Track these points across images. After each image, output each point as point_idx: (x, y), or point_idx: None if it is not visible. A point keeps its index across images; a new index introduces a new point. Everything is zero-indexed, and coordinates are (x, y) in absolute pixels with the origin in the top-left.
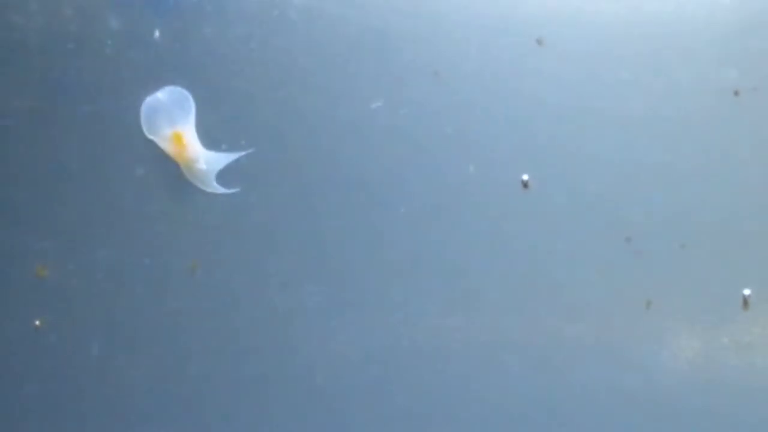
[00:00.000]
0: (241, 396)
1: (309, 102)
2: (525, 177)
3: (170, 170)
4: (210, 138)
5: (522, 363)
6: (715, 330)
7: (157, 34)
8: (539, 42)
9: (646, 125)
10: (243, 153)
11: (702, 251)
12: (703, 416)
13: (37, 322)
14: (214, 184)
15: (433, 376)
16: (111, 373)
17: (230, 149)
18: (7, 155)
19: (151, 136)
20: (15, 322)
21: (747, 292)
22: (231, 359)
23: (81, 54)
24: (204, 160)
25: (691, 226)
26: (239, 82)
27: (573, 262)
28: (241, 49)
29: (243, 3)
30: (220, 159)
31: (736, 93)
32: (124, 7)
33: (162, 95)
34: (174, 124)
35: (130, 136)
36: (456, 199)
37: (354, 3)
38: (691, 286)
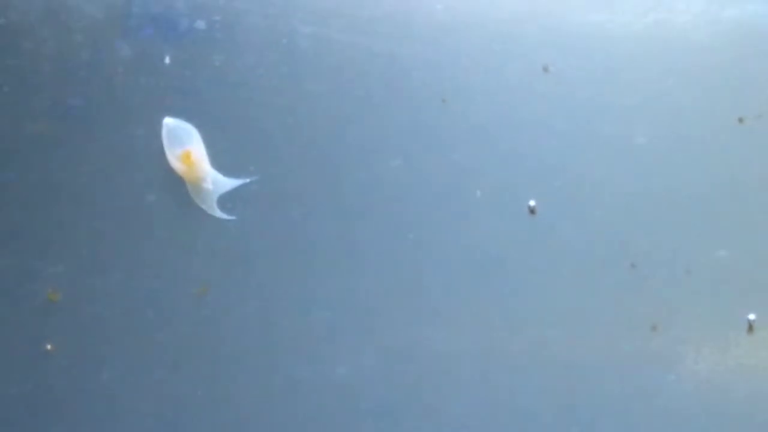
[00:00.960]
0: (249, 419)
1: (317, 129)
2: (532, 203)
3: (180, 195)
4: (218, 164)
5: (528, 386)
6: (720, 354)
7: (167, 60)
8: (545, 69)
9: (651, 152)
10: (251, 179)
11: (707, 276)
12: None
13: (49, 346)
14: (216, 207)
15: (438, 399)
16: (121, 396)
17: (238, 175)
18: (18, 180)
19: (166, 151)
20: (26, 345)
21: (752, 316)
22: (239, 383)
23: (92, 80)
24: (211, 180)
25: (696, 252)
26: (248, 108)
27: (579, 286)
28: (250, 76)
29: (252, 30)
30: (227, 182)
31: (741, 120)
32: (135, 35)
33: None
34: (183, 143)
35: (140, 162)
36: (463, 225)
37: (362, 30)
38: (697, 311)
